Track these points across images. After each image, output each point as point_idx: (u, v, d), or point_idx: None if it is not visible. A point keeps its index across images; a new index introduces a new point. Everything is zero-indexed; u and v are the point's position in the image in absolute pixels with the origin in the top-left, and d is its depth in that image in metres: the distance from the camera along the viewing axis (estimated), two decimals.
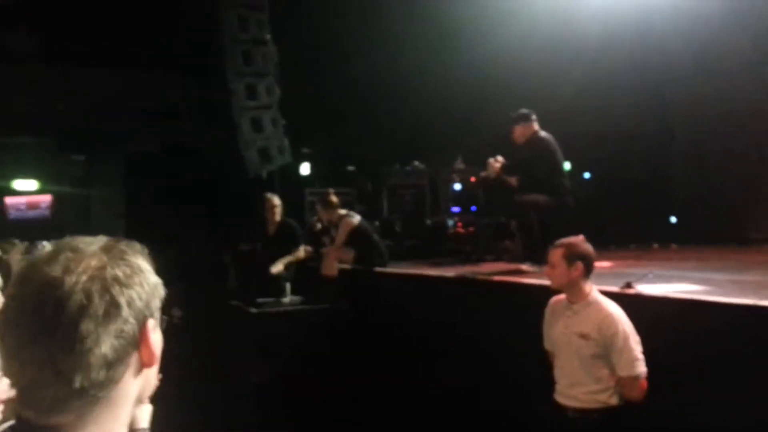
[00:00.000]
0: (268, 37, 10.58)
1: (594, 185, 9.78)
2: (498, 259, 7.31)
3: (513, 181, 6.33)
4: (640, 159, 9.75)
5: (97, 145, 12.91)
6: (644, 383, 3.35)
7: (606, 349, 3.37)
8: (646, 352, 3.34)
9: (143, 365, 1.02)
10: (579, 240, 3.64)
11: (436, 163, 9.79)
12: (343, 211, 7.42)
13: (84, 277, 0.94)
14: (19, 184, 13.38)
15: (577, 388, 3.48)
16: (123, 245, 1.03)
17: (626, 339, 3.33)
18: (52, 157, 13.32)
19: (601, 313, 3.44)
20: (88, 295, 0.93)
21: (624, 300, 3.64)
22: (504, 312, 5.02)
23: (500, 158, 6.37)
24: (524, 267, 5.77)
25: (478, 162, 7.28)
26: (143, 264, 1.03)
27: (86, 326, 0.92)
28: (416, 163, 9.91)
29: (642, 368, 3.33)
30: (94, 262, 0.97)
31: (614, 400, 3.40)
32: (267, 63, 10.60)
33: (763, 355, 3.25)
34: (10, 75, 11.80)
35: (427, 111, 10.44)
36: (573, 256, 3.52)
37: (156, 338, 1.03)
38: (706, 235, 8.67)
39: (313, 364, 6.18)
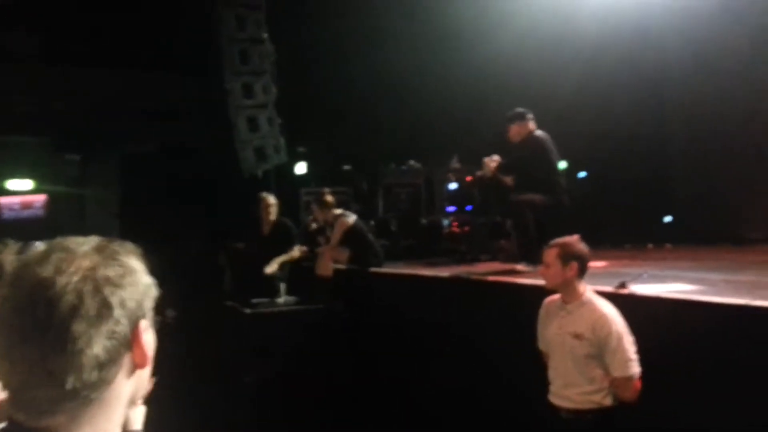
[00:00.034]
0: (265, 35, 10.57)
1: (589, 184, 9.78)
2: (493, 258, 7.32)
3: (508, 180, 6.34)
4: (637, 158, 9.75)
5: (96, 145, 12.88)
6: (638, 384, 3.35)
7: (600, 349, 3.37)
8: (640, 352, 3.35)
9: (136, 366, 1.01)
10: (574, 240, 3.65)
11: (431, 162, 9.79)
12: (338, 211, 7.42)
13: (76, 278, 0.94)
14: (13, 183, 13.33)
15: (570, 388, 3.48)
16: (115, 245, 1.02)
17: (620, 339, 3.34)
18: (48, 156, 13.27)
19: (595, 314, 3.44)
20: (80, 296, 0.93)
21: (618, 300, 3.65)
22: (499, 312, 5.03)
23: (496, 157, 6.37)
24: (519, 267, 5.78)
25: (475, 161, 7.29)
26: (136, 264, 1.03)
27: (78, 327, 0.92)
28: (412, 162, 9.91)
29: (636, 369, 3.33)
30: (85, 263, 0.96)
31: (608, 401, 3.41)
32: (264, 62, 10.59)
33: (756, 355, 3.26)
34: (10, 75, 11.76)
35: (423, 110, 10.44)
36: (568, 255, 3.53)
37: (149, 339, 1.03)
38: (703, 235, 8.68)
39: (308, 365, 6.18)
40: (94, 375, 0.94)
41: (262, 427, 5.71)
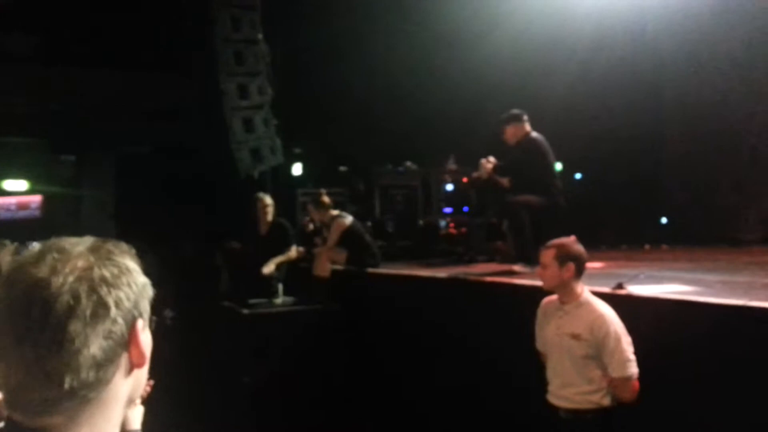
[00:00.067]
0: (261, 36, 10.56)
1: (586, 186, 9.80)
2: (490, 259, 7.32)
3: (505, 181, 6.34)
4: (633, 159, 9.77)
5: (91, 145, 12.85)
6: (636, 384, 3.35)
7: (598, 349, 3.37)
8: (637, 353, 3.35)
9: (133, 366, 1.01)
10: (570, 241, 3.65)
11: (428, 163, 9.80)
12: (335, 212, 7.41)
13: (71, 278, 0.94)
14: (8, 184, 13.30)
15: (569, 388, 3.48)
16: (110, 245, 1.02)
17: (618, 340, 3.34)
18: (43, 157, 13.25)
19: (593, 314, 3.44)
20: (76, 296, 0.93)
21: (615, 301, 3.65)
22: (496, 313, 5.03)
23: (492, 159, 6.37)
24: (516, 268, 5.78)
25: (471, 162, 7.29)
26: (131, 264, 1.02)
27: (74, 327, 0.92)
28: (408, 163, 9.92)
29: (634, 369, 3.34)
30: (80, 263, 0.96)
31: (606, 401, 3.41)
32: (259, 62, 10.57)
33: (753, 356, 3.26)
34: (8, 76, 11.74)
35: (419, 111, 10.43)
36: (564, 256, 3.53)
37: (145, 338, 1.02)
38: (698, 236, 8.70)
39: (305, 365, 6.18)
40: (91, 375, 0.94)
41: (260, 427, 5.71)
